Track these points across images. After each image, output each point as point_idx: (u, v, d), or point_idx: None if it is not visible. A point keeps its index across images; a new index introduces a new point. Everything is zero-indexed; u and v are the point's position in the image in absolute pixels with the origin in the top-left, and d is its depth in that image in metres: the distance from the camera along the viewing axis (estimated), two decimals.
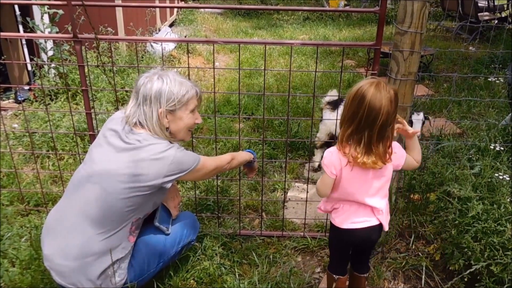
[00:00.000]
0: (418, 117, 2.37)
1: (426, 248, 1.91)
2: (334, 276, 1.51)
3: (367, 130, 1.21)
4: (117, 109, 2.11)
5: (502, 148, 1.95)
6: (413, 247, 1.91)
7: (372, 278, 1.81)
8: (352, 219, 1.37)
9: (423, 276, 1.78)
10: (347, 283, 1.58)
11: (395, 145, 1.35)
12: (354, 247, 1.48)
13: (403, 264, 1.84)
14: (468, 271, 1.57)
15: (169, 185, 1.39)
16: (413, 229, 1.93)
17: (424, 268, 1.79)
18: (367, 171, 1.29)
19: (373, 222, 1.37)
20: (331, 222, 1.45)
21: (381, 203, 1.36)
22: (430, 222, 1.95)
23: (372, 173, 1.30)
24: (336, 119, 1.88)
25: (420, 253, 1.88)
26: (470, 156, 1.99)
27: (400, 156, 1.37)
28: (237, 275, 1.74)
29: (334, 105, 2.58)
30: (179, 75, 1.46)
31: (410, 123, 2.34)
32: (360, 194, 1.33)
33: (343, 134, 1.27)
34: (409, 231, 1.97)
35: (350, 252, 1.51)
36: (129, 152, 1.35)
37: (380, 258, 1.90)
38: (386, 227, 1.40)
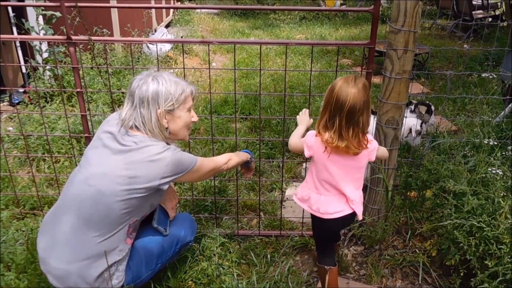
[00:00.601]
0: (423, 108, 2.48)
1: (423, 244, 1.92)
2: (325, 267, 1.59)
3: (338, 116, 1.38)
4: (113, 110, 2.11)
5: (495, 143, 1.96)
6: (410, 243, 1.93)
7: (370, 275, 1.82)
8: (328, 209, 1.48)
9: (420, 273, 1.79)
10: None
11: (369, 136, 1.47)
12: (334, 233, 1.60)
13: (401, 261, 1.85)
14: (464, 266, 1.58)
15: (166, 186, 1.39)
16: (410, 226, 1.94)
17: (421, 265, 1.80)
18: (343, 159, 1.43)
19: (347, 211, 1.49)
20: (311, 214, 1.55)
21: (355, 193, 1.48)
22: (427, 219, 1.96)
23: (347, 161, 1.44)
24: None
25: (417, 250, 1.89)
26: (465, 153, 2.00)
27: (373, 148, 1.49)
28: (235, 275, 1.74)
29: None
30: (172, 75, 1.46)
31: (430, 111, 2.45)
32: (335, 181, 1.45)
33: (319, 121, 1.44)
34: (406, 228, 1.98)
35: (332, 239, 1.62)
36: (126, 154, 1.35)
37: (378, 256, 1.91)
38: (360, 216, 1.51)
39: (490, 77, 2.97)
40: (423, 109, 2.57)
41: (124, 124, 1.40)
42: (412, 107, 2.59)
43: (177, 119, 1.44)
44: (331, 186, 1.46)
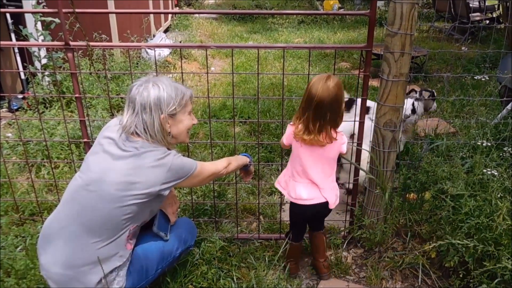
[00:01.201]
0: (426, 94, 2.56)
1: (422, 246, 1.92)
2: (288, 241, 1.78)
3: (308, 110, 1.52)
4: (112, 115, 2.12)
5: (489, 144, 1.97)
6: (410, 245, 1.92)
7: (370, 277, 1.82)
8: (302, 195, 1.62)
9: (420, 274, 1.79)
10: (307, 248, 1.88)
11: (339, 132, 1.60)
12: (307, 219, 1.74)
13: (400, 263, 1.85)
14: (463, 267, 1.58)
15: (166, 192, 1.39)
16: (409, 228, 1.94)
17: (420, 266, 1.80)
18: (312, 149, 1.57)
19: (320, 199, 1.62)
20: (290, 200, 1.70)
21: (325, 182, 1.62)
22: (426, 221, 1.96)
23: (316, 151, 1.58)
24: (354, 120, 1.92)
25: (416, 252, 1.89)
26: (463, 155, 2.01)
27: (343, 142, 1.61)
28: (235, 279, 1.74)
29: (348, 105, 2.64)
30: (170, 80, 1.47)
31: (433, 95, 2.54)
32: (306, 169, 1.60)
33: (296, 114, 1.59)
34: (405, 230, 1.98)
35: (304, 225, 1.78)
36: (126, 160, 1.35)
37: (377, 258, 1.91)
38: (331, 205, 1.65)
39: (486, 79, 2.99)
40: (426, 94, 2.68)
41: (125, 130, 1.40)
42: (417, 94, 2.67)
43: (179, 123, 1.46)
44: (304, 173, 1.62)
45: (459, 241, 1.54)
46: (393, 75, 1.72)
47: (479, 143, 1.95)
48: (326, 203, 1.64)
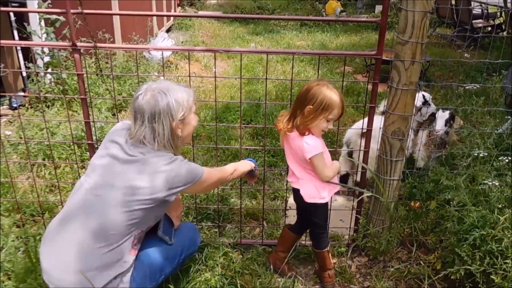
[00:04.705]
0: (443, 114, 2.41)
1: (427, 256, 1.91)
2: (291, 232, 1.85)
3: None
4: (114, 115, 2.10)
5: (491, 154, 1.96)
6: (415, 255, 1.91)
7: (374, 287, 1.80)
8: (289, 178, 1.77)
9: (426, 286, 1.77)
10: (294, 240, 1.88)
11: (314, 141, 1.61)
12: (298, 207, 1.82)
13: (405, 273, 1.84)
14: (470, 280, 1.56)
15: (173, 198, 1.37)
16: (414, 237, 1.93)
17: (426, 277, 1.78)
18: (288, 142, 1.67)
19: (295, 185, 1.73)
20: None
21: (301, 173, 1.69)
22: (431, 231, 1.95)
23: (291, 145, 1.66)
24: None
25: (421, 262, 1.88)
26: (468, 164, 2.00)
27: (307, 150, 1.60)
28: (238, 286, 1.72)
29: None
30: (170, 82, 1.45)
31: (433, 117, 2.42)
32: (287, 159, 1.74)
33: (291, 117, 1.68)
34: (410, 239, 1.97)
35: (300, 214, 1.84)
36: (133, 165, 1.33)
37: (382, 267, 1.90)
38: (304, 197, 1.68)
39: (492, 87, 2.98)
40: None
41: (134, 139, 1.38)
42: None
43: (188, 125, 1.45)
44: (288, 161, 1.74)
45: (465, 251, 1.53)
46: (402, 84, 1.71)
47: (484, 154, 1.94)
48: (299, 191, 1.70)
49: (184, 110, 1.40)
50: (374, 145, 1.89)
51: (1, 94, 3.42)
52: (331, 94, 1.56)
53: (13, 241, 1.90)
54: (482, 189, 1.74)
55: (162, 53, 1.85)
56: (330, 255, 1.81)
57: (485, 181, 1.75)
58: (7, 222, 2.05)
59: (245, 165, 1.76)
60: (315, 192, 1.68)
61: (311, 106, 1.56)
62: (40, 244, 1.40)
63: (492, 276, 1.49)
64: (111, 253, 1.32)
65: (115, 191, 1.31)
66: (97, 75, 2.43)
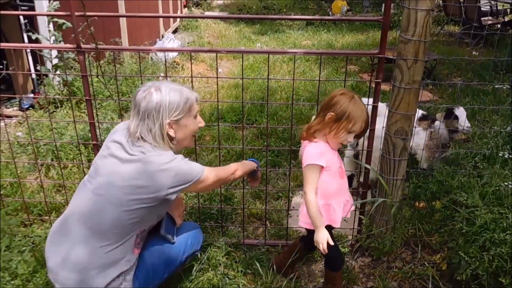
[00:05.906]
0: (459, 110, 2.43)
1: (432, 257, 1.88)
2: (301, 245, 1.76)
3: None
4: (121, 117, 2.13)
5: (510, 156, 1.92)
6: (419, 256, 1.89)
7: None
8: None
9: (430, 286, 1.75)
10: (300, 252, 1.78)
11: (317, 149, 1.52)
12: None
13: (409, 274, 1.82)
14: (476, 281, 1.54)
15: (173, 196, 1.38)
16: (419, 238, 1.91)
17: (430, 278, 1.76)
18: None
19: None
20: None
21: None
22: (436, 231, 1.92)
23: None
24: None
25: (426, 263, 1.85)
26: (476, 164, 1.96)
27: (305, 157, 1.53)
28: (241, 286, 1.72)
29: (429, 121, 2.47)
30: (175, 84, 1.45)
31: (456, 117, 2.40)
32: None
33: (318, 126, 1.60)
34: (414, 240, 1.94)
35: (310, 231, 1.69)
36: (134, 164, 1.35)
37: (386, 268, 1.88)
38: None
39: (503, 87, 2.92)
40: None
41: (131, 136, 1.40)
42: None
43: (184, 128, 1.44)
44: None
45: (472, 254, 1.50)
46: (405, 82, 1.69)
47: (499, 155, 1.88)
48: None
49: (179, 111, 1.39)
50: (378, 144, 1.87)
51: (11, 96, 3.50)
52: (356, 105, 1.46)
53: (20, 240, 1.94)
54: (496, 190, 1.69)
55: (165, 54, 1.87)
56: (341, 277, 1.69)
57: (501, 184, 1.70)
58: (14, 221, 2.09)
59: (247, 165, 1.76)
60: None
61: (333, 113, 1.46)
62: (46, 243, 1.43)
63: (500, 279, 1.46)
64: (114, 251, 1.34)
65: (116, 190, 1.32)
66: (97, 76, 2.46)
